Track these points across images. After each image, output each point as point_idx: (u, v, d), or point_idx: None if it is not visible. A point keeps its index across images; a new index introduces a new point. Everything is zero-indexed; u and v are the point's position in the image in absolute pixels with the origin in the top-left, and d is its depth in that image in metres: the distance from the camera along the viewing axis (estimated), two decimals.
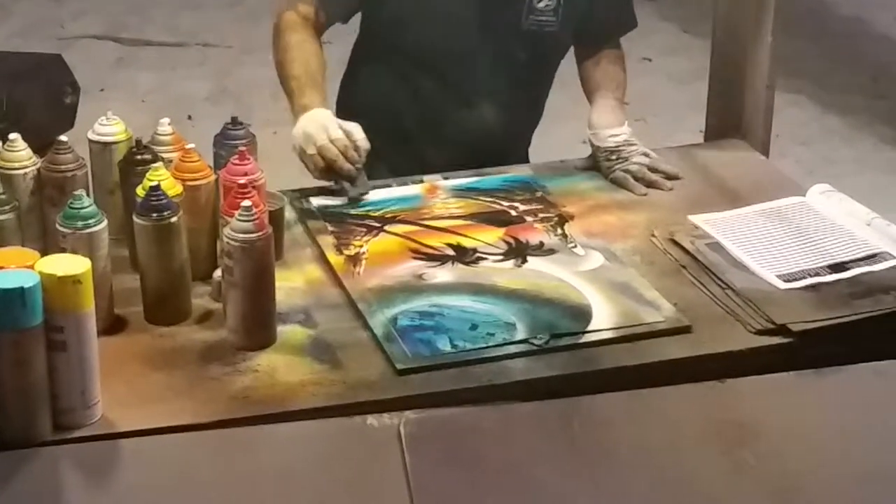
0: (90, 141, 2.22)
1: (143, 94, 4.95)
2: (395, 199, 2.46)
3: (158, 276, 2.01)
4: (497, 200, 2.46)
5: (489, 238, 2.32)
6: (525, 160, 2.82)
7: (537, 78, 2.76)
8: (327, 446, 1.80)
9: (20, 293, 1.67)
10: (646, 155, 2.59)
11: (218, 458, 1.78)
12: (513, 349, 1.98)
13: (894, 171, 4.58)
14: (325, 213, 2.39)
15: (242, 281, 1.94)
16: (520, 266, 2.23)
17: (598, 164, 2.60)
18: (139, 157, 2.14)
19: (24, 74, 3.96)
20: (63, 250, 1.88)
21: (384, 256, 2.25)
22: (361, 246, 2.28)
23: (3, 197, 2.00)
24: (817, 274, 2.19)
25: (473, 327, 2.03)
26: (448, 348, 1.98)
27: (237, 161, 2.12)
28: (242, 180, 2.05)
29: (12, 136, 2.12)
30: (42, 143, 2.18)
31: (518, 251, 2.28)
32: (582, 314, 2.08)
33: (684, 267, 2.23)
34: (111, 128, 2.22)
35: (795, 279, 2.17)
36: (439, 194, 2.49)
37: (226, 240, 1.94)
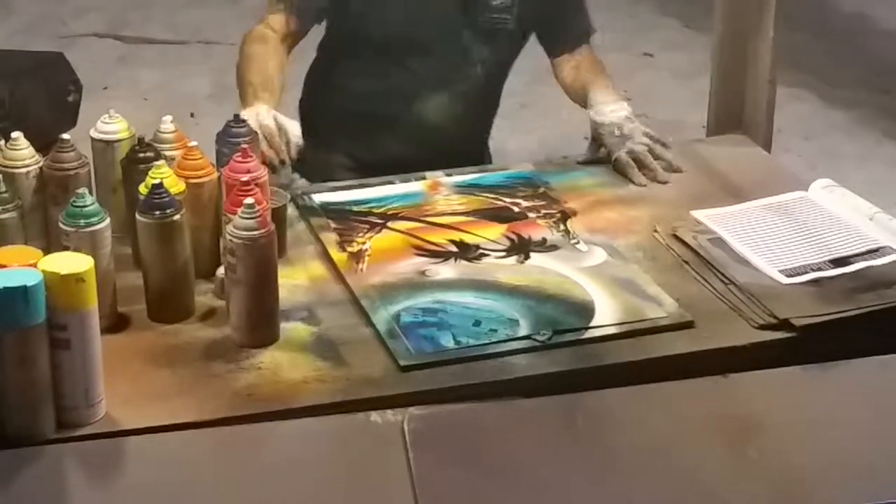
0: (93, 139, 2.22)
1: (146, 92, 4.95)
2: (398, 196, 2.46)
3: (161, 274, 2.02)
4: (499, 197, 2.46)
5: (492, 234, 2.32)
6: (484, 150, 2.95)
7: (493, 72, 2.83)
8: (330, 443, 1.81)
9: (23, 291, 1.67)
10: (649, 136, 2.60)
11: (221, 455, 1.78)
12: (516, 345, 1.98)
13: None
14: (327, 210, 2.39)
15: (245, 278, 1.94)
16: (522, 262, 2.23)
17: (602, 141, 2.60)
18: (142, 155, 2.14)
19: (27, 73, 3.96)
20: (66, 248, 1.89)
21: (387, 253, 2.25)
22: (364, 243, 2.28)
23: (5, 195, 2.01)
24: (820, 269, 2.19)
25: (476, 324, 2.03)
26: (451, 345, 1.98)
27: (240, 158, 2.12)
28: (245, 178, 2.05)
29: (15, 134, 2.12)
30: (45, 142, 2.18)
31: (521, 247, 2.28)
32: (585, 310, 2.08)
33: (687, 262, 2.23)
34: (114, 126, 2.22)
35: (798, 274, 2.17)
36: (442, 191, 2.49)
37: (229, 237, 1.95)
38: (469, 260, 2.24)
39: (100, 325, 1.79)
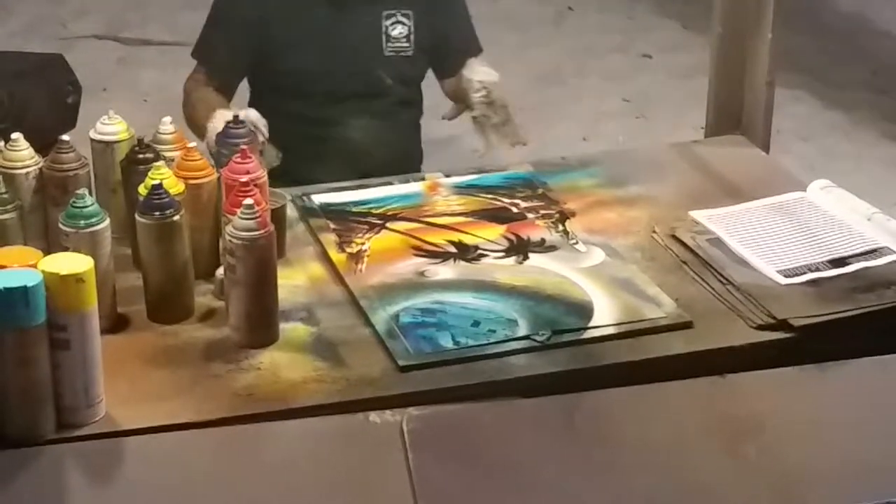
0: (92, 140, 2.23)
1: (145, 94, 4.94)
2: (397, 197, 2.46)
3: (161, 275, 2.02)
4: (498, 197, 2.47)
5: (491, 235, 2.32)
6: (419, 160, 3.14)
7: (407, 94, 3.07)
8: (330, 443, 1.81)
9: (23, 292, 1.68)
10: (505, 110, 2.73)
11: (221, 455, 1.79)
12: (515, 345, 1.99)
13: (895, 167, 4.58)
14: (326, 211, 2.40)
15: (245, 279, 1.94)
16: (521, 263, 2.24)
17: (466, 96, 2.77)
18: (141, 155, 2.15)
19: (26, 74, 3.96)
20: (66, 249, 1.89)
21: (386, 254, 2.25)
22: (363, 243, 2.28)
23: (5, 196, 2.01)
24: (818, 269, 2.19)
25: (475, 324, 2.03)
26: (450, 345, 1.98)
27: (239, 159, 2.12)
28: (244, 178, 2.05)
29: (14, 135, 2.12)
30: (44, 143, 2.18)
31: (519, 248, 2.28)
32: (583, 310, 2.08)
33: (685, 263, 2.24)
34: (113, 127, 2.22)
35: (796, 274, 2.18)
36: (441, 191, 2.49)
37: (228, 238, 1.95)
38: (468, 260, 2.24)
39: (99, 326, 1.79)
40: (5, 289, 1.67)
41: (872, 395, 1.96)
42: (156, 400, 1.85)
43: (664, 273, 2.21)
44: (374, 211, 2.41)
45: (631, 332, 2.03)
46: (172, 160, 2.15)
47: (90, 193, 2.01)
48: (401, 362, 1.94)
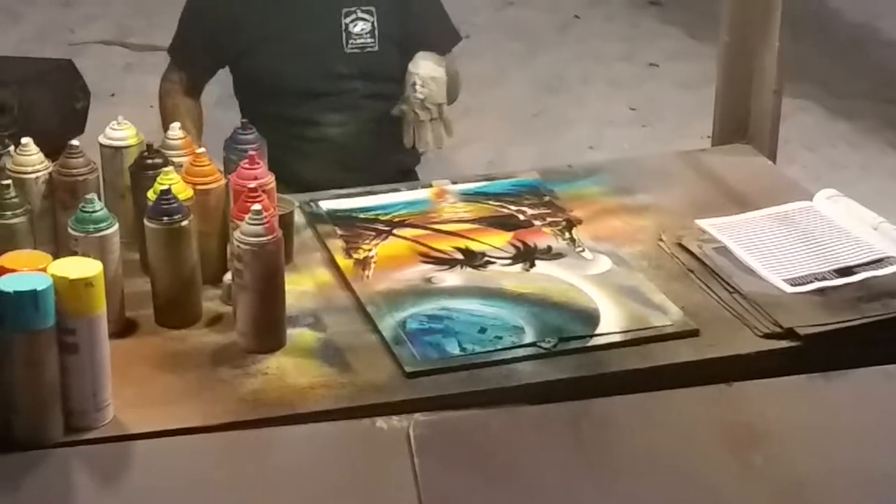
0: (101, 145, 2.23)
1: (153, 99, 4.95)
2: (404, 203, 2.47)
3: (169, 280, 2.03)
4: (505, 204, 2.47)
5: (497, 242, 2.32)
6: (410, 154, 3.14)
7: (375, 88, 3.07)
8: (336, 449, 1.81)
9: (33, 295, 1.68)
10: (439, 108, 2.85)
11: (227, 460, 1.79)
12: (521, 352, 1.99)
13: None
14: (334, 217, 2.40)
15: (252, 284, 1.95)
16: (528, 270, 2.24)
17: (404, 87, 2.88)
18: (150, 161, 2.15)
19: (36, 80, 3.96)
20: (75, 253, 1.89)
21: (393, 260, 2.26)
22: (370, 250, 2.29)
23: (15, 200, 2.02)
24: (824, 278, 2.20)
25: (482, 331, 2.04)
26: (457, 351, 1.99)
27: (247, 165, 2.13)
28: (252, 184, 2.06)
29: (24, 140, 2.13)
30: (53, 148, 2.19)
31: (526, 255, 2.28)
32: (590, 318, 2.08)
33: (692, 271, 2.24)
34: (122, 132, 2.23)
35: (803, 283, 2.18)
36: (448, 198, 2.50)
37: (236, 243, 1.95)
38: (475, 267, 2.24)
39: (108, 330, 1.80)
40: (15, 292, 1.68)
41: (878, 404, 1.96)
42: (163, 404, 1.86)
43: (670, 281, 2.21)
44: (381, 217, 2.41)
45: (637, 340, 2.03)
46: (181, 166, 2.16)
47: (99, 198, 2.01)
48: (407, 368, 1.94)
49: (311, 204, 2.44)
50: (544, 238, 2.34)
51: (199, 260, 2.05)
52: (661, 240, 2.34)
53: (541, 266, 2.25)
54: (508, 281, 2.19)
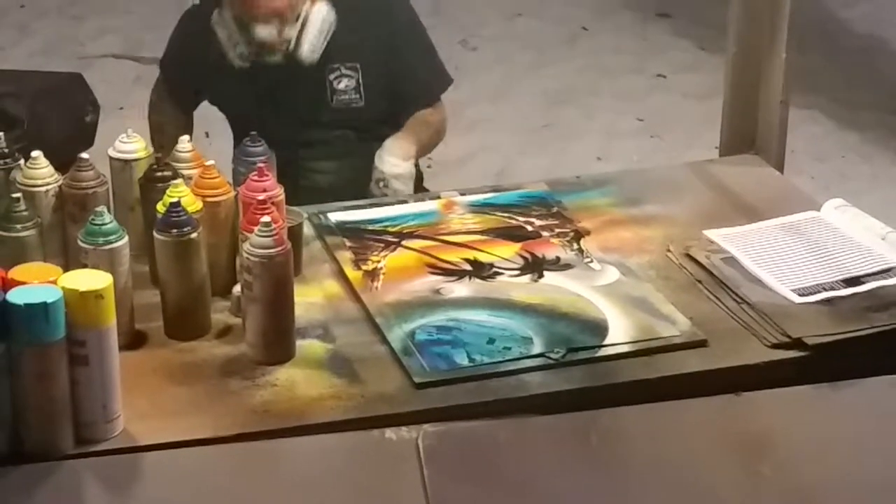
0: (111, 158, 2.24)
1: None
2: (412, 215, 2.47)
3: (178, 292, 2.03)
4: (513, 216, 2.47)
5: (506, 253, 2.33)
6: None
7: (364, 136, 3.04)
8: (346, 460, 1.82)
9: (43, 308, 1.69)
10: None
11: (237, 471, 1.79)
12: (530, 363, 1.99)
13: None
14: (342, 229, 2.41)
15: (262, 296, 1.95)
16: (536, 281, 2.24)
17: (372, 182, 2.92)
18: (159, 174, 2.16)
19: (45, 93, 3.98)
20: (85, 266, 1.90)
21: (402, 271, 2.26)
22: (379, 261, 2.29)
23: (25, 213, 2.03)
24: (832, 288, 2.20)
25: (491, 341, 2.04)
26: (465, 362, 1.99)
27: (256, 177, 2.14)
28: (261, 196, 2.07)
29: (34, 153, 2.14)
30: (63, 161, 2.20)
31: (535, 266, 2.29)
32: (598, 328, 2.09)
33: (700, 281, 2.24)
34: (131, 145, 2.24)
35: (811, 293, 2.18)
36: (456, 210, 2.50)
37: (245, 255, 1.96)
38: (483, 278, 2.25)
39: (118, 342, 1.81)
40: (26, 304, 1.69)
41: (887, 414, 1.96)
42: (173, 416, 1.86)
43: (679, 291, 2.21)
44: (389, 229, 2.42)
45: (646, 350, 2.04)
46: (190, 178, 2.17)
47: (109, 211, 2.02)
48: (416, 379, 1.95)
49: (320, 216, 2.45)
50: (552, 249, 2.35)
51: (208, 272, 2.05)
52: (669, 250, 2.34)
53: (549, 277, 2.25)
54: (517, 292, 2.20)
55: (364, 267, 2.27)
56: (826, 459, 1.85)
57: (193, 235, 2.02)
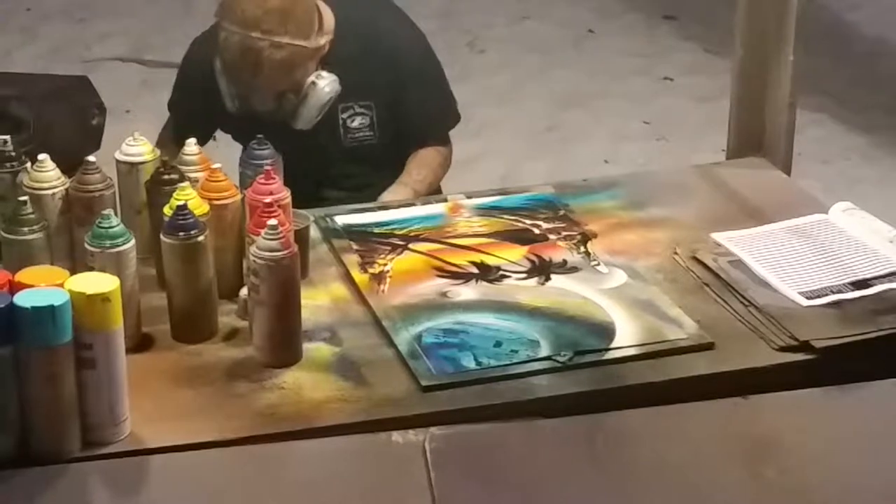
0: (117, 161, 2.25)
1: (167, 116, 4.98)
2: (419, 218, 2.47)
3: (185, 295, 2.03)
4: (520, 219, 2.47)
5: (513, 256, 2.33)
6: None
7: (377, 170, 2.97)
8: (352, 462, 1.82)
9: (50, 311, 1.69)
10: None
11: (244, 474, 1.79)
12: (537, 366, 1.99)
13: None
14: (349, 232, 2.41)
15: (269, 299, 1.95)
16: (543, 284, 2.24)
17: None
18: (166, 176, 2.17)
19: (52, 96, 3.98)
20: (91, 269, 1.91)
21: (408, 274, 2.26)
22: (386, 264, 2.29)
23: (32, 216, 2.03)
24: (840, 291, 2.19)
25: (497, 344, 2.04)
26: (472, 365, 1.99)
27: (263, 180, 2.14)
28: (268, 199, 2.07)
29: (41, 156, 2.14)
30: (69, 164, 2.20)
31: (541, 269, 2.29)
32: (605, 331, 2.09)
33: (707, 284, 2.24)
34: (138, 148, 2.24)
35: (818, 296, 2.18)
36: (462, 213, 2.50)
37: (252, 258, 1.96)
38: (490, 281, 2.25)
39: (125, 345, 1.81)
40: (33, 307, 1.69)
41: (894, 417, 1.95)
42: (180, 418, 1.86)
43: (686, 294, 2.21)
44: (396, 232, 2.42)
45: (653, 353, 2.03)
46: (197, 181, 2.17)
47: (115, 214, 2.03)
48: (423, 382, 1.94)
49: (327, 219, 2.45)
50: (559, 252, 2.35)
51: (215, 275, 2.06)
52: (676, 253, 2.34)
53: (556, 280, 2.25)
54: (524, 295, 2.20)
55: (371, 270, 2.27)
56: (834, 462, 1.84)
57: (200, 238, 2.02)
